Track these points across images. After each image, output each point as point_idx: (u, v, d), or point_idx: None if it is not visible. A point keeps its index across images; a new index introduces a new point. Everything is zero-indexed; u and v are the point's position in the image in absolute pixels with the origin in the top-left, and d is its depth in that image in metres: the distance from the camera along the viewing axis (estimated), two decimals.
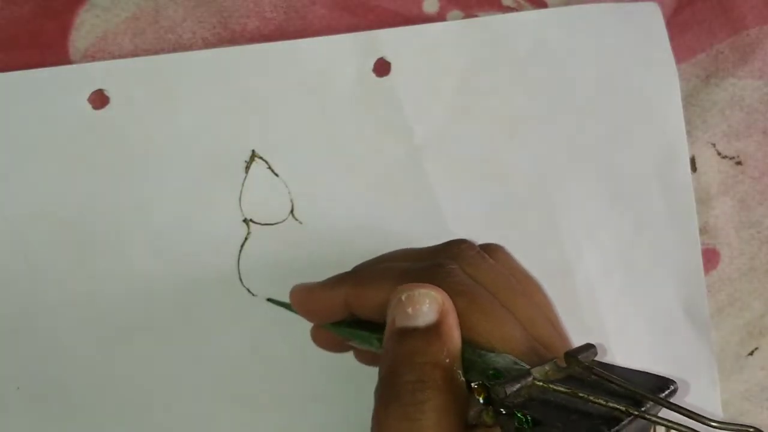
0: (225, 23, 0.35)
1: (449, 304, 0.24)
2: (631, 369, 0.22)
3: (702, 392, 0.39)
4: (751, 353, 0.40)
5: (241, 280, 0.34)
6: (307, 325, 0.34)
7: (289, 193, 0.35)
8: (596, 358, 0.23)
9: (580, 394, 0.21)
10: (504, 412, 0.21)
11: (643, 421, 0.20)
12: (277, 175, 0.35)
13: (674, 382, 0.22)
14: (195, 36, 0.35)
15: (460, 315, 0.24)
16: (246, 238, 0.34)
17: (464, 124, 0.37)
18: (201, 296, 0.34)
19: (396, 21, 0.37)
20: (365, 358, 0.32)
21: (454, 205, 0.36)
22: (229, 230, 0.34)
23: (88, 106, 0.33)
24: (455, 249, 0.28)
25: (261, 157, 0.34)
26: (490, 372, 0.22)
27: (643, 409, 0.20)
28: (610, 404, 0.20)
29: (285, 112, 0.35)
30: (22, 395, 0.32)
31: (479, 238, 0.37)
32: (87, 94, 0.33)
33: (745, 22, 0.41)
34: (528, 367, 0.22)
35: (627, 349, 0.38)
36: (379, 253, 0.31)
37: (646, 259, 0.39)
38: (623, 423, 0.20)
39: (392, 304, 0.24)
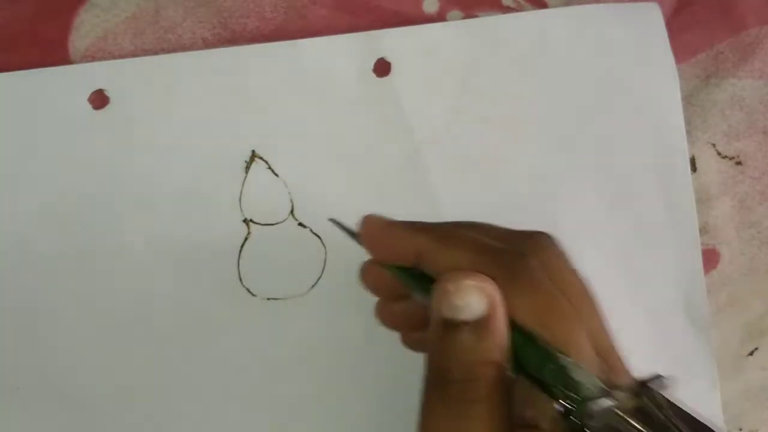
0: (225, 23, 0.35)
1: (499, 298, 0.23)
2: (692, 412, 0.22)
3: (702, 392, 0.39)
4: (751, 353, 0.40)
5: (241, 280, 0.34)
6: (306, 327, 0.34)
7: (289, 193, 0.35)
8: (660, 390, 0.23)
9: None
10: (575, 428, 0.21)
11: None
12: (277, 175, 0.35)
13: None
14: (195, 36, 0.35)
15: (535, 313, 0.23)
16: (246, 238, 0.34)
17: (464, 124, 0.37)
18: (201, 296, 0.34)
19: (396, 21, 0.37)
20: (414, 343, 0.31)
21: (454, 205, 0.36)
22: (229, 230, 0.34)
23: (88, 106, 0.33)
24: (542, 242, 0.26)
25: (261, 157, 0.34)
26: (569, 380, 0.21)
27: None
28: None
29: (285, 112, 0.35)
30: (22, 395, 0.32)
31: None
32: (87, 94, 0.33)
33: (745, 22, 0.41)
34: (606, 387, 0.21)
35: (627, 349, 0.38)
36: None
37: (646, 259, 0.39)
38: None
39: (438, 292, 0.23)
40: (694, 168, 0.40)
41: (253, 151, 0.34)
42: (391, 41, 0.36)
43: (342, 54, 0.36)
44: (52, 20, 0.33)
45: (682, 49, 0.40)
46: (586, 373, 0.22)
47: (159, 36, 0.34)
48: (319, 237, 0.35)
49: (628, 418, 0.21)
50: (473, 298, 0.22)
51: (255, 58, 0.35)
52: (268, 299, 0.34)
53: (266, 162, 0.34)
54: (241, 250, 0.34)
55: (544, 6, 0.39)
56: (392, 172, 0.36)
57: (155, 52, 0.34)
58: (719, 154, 0.40)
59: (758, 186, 0.40)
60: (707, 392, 0.39)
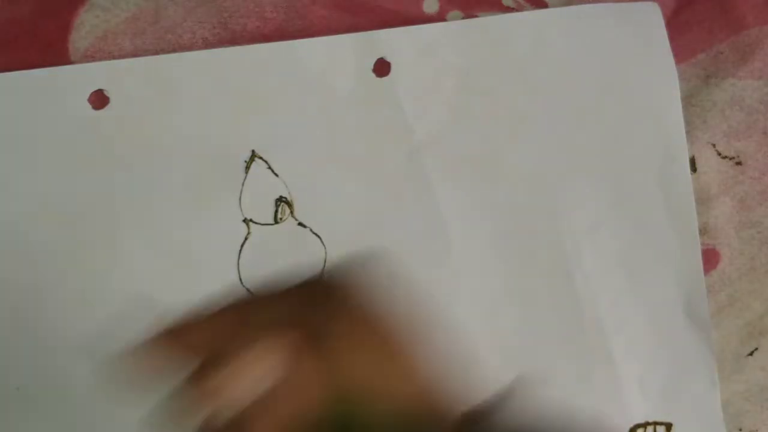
0: (225, 23, 0.35)
1: None
2: None
3: (702, 393, 0.39)
4: (751, 353, 0.40)
5: (241, 280, 0.34)
6: None
7: (289, 193, 0.35)
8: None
9: None
10: None
11: None
12: (277, 175, 0.35)
13: None
14: (195, 36, 0.35)
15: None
16: (246, 238, 0.34)
17: (464, 124, 0.37)
18: (201, 296, 0.34)
19: (396, 21, 0.37)
20: None
21: (454, 205, 0.36)
22: (229, 230, 0.34)
23: (88, 106, 0.33)
24: (319, 303, 0.24)
25: (261, 157, 0.34)
26: None
27: None
28: None
29: (285, 112, 0.35)
30: (22, 395, 0.32)
31: (479, 238, 0.37)
32: (87, 94, 0.33)
33: (745, 22, 0.41)
34: None
35: (627, 349, 0.38)
36: (379, 253, 0.30)
37: (646, 259, 0.39)
38: None
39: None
40: (694, 168, 0.40)
41: (253, 151, 0.34)
42: (391, 41, 0.36)
43: (342, 54, 0.36)
44: (52, 20, 0.33)
45: (682, 49, 0.40)
46: None
47: (159, 36, 0.34)
48: (319, 237, 0.35)
49: None
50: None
51: (255, 58, 0.35)
52: None
53: (266, 162, 0.34)
54: (241, 250, 0.34)
55: (544, 6, 0.39)
56: (392, 172, 0.36)
57: (155, 52, 0.34)
58: (719, 154, 0.40)
59: (758, 186, 0.40)
60: (707, 392, 0.39)
